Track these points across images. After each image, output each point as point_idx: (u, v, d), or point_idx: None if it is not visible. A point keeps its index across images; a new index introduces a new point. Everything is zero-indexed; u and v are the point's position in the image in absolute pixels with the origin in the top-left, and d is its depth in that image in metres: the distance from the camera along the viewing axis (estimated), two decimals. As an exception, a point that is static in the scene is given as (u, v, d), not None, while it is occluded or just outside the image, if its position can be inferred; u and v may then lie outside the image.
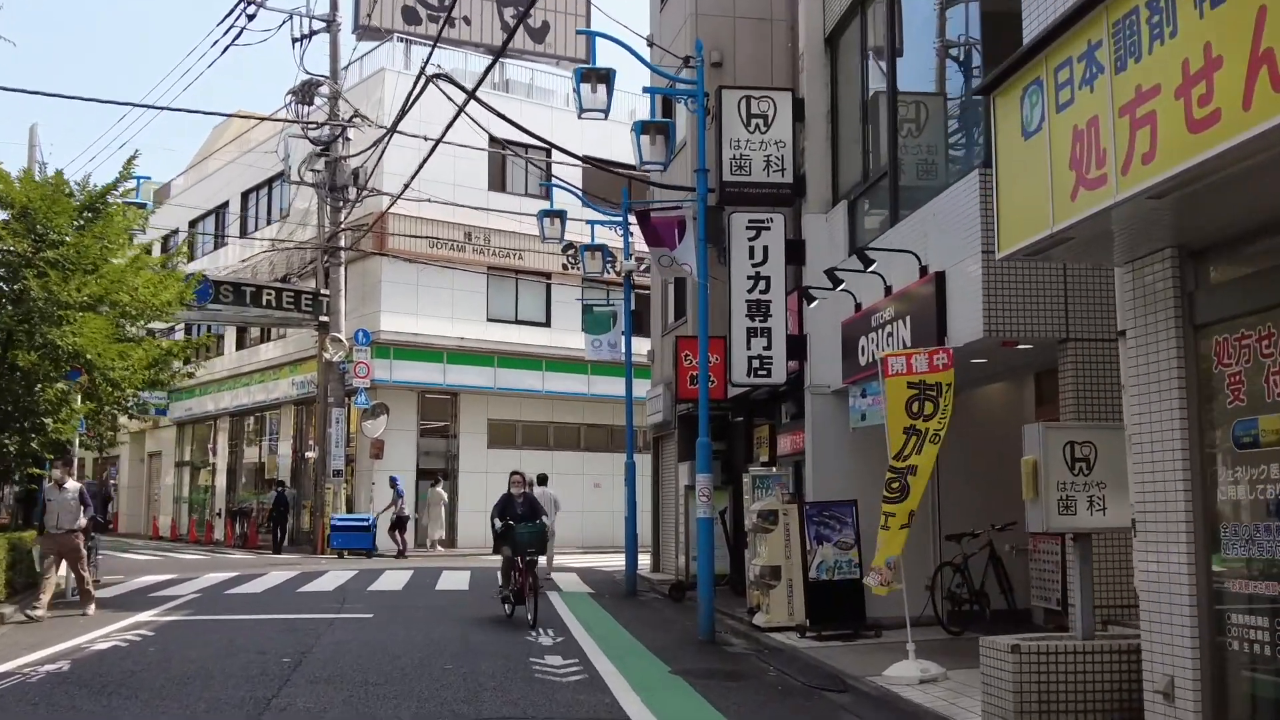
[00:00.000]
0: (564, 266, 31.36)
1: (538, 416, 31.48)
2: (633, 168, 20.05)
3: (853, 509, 12.57)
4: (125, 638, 12.24)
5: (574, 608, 15.85)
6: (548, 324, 31.48)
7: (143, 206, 18.89)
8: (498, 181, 31.13)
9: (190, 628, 13.15)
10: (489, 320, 30.50)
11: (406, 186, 23.34)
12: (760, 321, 13.16)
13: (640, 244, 22.26)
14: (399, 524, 27.00)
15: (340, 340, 27.68)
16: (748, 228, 13.27)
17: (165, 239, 41.22)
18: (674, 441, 20.76)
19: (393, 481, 27.27)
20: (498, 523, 13.92)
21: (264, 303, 27.80)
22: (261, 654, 10.93)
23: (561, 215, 19.63)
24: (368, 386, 27.57)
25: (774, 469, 14.79)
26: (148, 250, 21.45)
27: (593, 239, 20.15)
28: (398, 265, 28.90)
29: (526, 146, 29.34)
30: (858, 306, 12.27)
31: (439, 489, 29.21)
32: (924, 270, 10.50)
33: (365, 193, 27.26)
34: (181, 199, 39.89)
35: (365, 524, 26.76)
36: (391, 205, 25.39)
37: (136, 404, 19.75)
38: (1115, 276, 7.21)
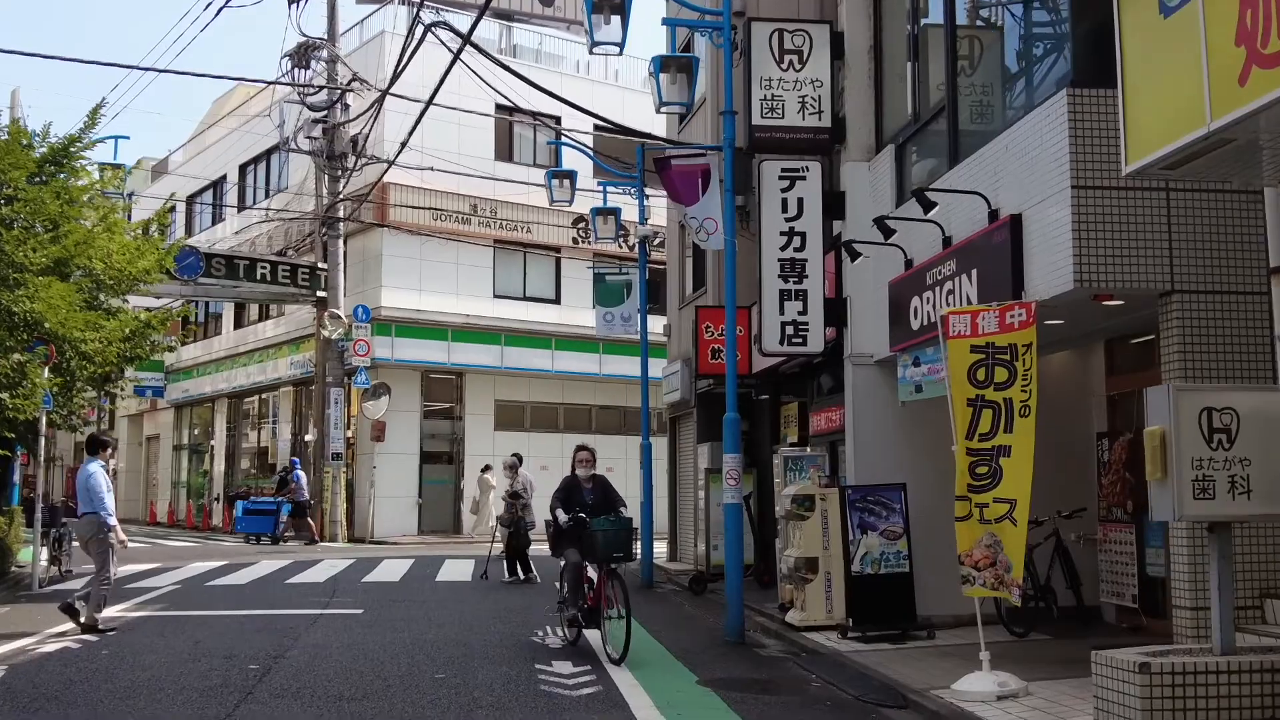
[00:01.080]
0: (574, 240, 29.88)
1: (547, 397, 30.05)
2: (648, 136, 18.55)
3: (901, 494, 11.11)
4: (81, 638, 10.85)
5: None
6: (557, 300, 30.03)
7: (119, 167, 17.43)
8: (505, 151, 29.64)
9: (156, 626, 11.75)
10: (496, 296, 29.05)
11: (405, 143, 21.87)
12: (794, 283, 11.68)
13: (656, 212, 20.83)
14: (298, 510, 26.29)
15: (339, 317, 26.27)
16: (780, 177, 11.77)
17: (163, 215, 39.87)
18: (692, 422, 19.31)
19: (291, 464, 26.96)
20: (561, 515, 10.41)
21: (258, 277, 26.37)
22: (227, 659, 9.52)
23: (571, 176, 18.13)
24: (368, 366, 26.16)
25: (807, 449, 13.32)
26: (146, 228, 20.01)
27: (605, 201, 18.66)
28: (400, 238, 27.45)
29: (535, 115, 27.92)
30: (908, 263, 10.79)
31: (489, 475, 27.80)
32: (994, 215, 9.01)
33: (365, 160, 25.78)
34: (181, 173, 38.46)
35: (271, 508, 26.48)
36: (392, 163, 23.87)
37: (115, 381, 18.30)
38: (1267, 201, 5.71)
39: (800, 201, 11.78)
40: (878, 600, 10.94)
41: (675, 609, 14.20)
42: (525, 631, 11.42)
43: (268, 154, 33.58)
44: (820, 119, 11.87)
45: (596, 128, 22.75)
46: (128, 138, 29.43)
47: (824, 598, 11.54)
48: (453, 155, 27.52)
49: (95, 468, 11.42)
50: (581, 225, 29.97)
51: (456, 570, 18.48)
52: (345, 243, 28.38)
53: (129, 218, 23.33)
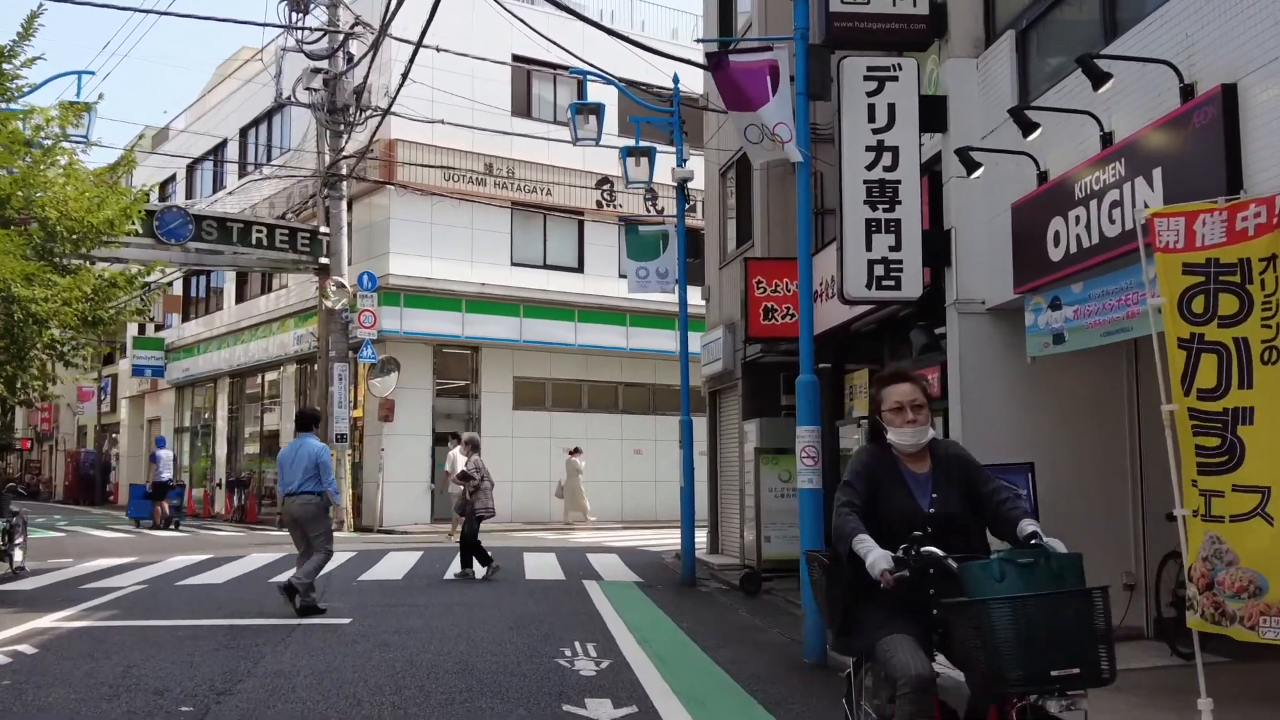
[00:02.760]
0: (599, 203, 27.49)
1: (570, 374, 27.69)
2: (685, 61, 16.10)
3: (1027, 476, 8.69)
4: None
5: (620, 605, 12.09)
6: (580, 269, 27.63)
7: (79, 106, 15.13)
8: (523, 106, 27.22)
9: (90, 643, 9.45)
10: (514, 264, 26.67)
11: (406, 74, 19.41)
12: (885, 210, 9.24)
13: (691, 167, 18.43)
14: (157, 492, 25.68)
15: (342, 285, 23.95)
16: (866, 78, 9.32)
17: (163, 185, 37.74)
18: (736, 395, 16.93)
19: (157, 443, 26.39)
20: (864, 546, 4.18)
21: (254, 241, 24.05)
22: (156, 696, 7.21)
23: (598, 110, 15.70)
24: (374, 338, 23.84)
25: (894, 422, 10.89)
26: (113, 170, 17.72)
27: (637, 139, 16.23)
28: (408, 200, 25.09)
29: (555, 68, 25.53)
30: (1042, 177, 8.35)
31: (576, 459, 25.82)
32: (1187, 91, 6.56)
33: (369, 112, 23.42)
34: (180, 141, 36.24)
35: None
36: (391, 106, 21.40)
37: (73, 348, 16.01)
38: None
39: (891, 109, 9.33)
40: (998, 611, 8.51)
41: (727, 614, 11.84)
42: (548, 649, 9.07)
43: (269, 115, 31.32)
44: (915, 4, 9.41)
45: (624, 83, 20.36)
46: (92, 73, 26.91)
47: (924, 607, 9.12)
48: (465, 109, 25.17)
49: (317, 443, 11.04)
50: (607, 187, 27.61)
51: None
52: (351, 207, 26.10)
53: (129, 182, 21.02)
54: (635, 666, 8.36)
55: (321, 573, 11.53)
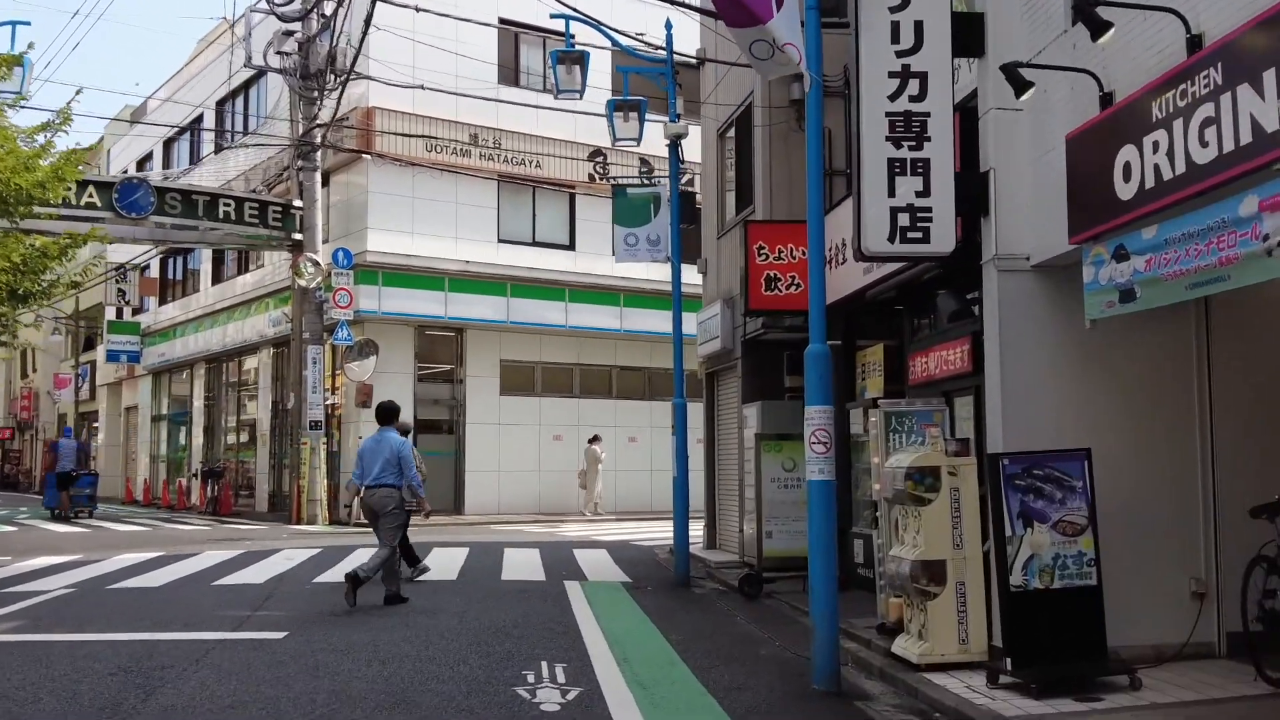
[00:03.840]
0: (591, 176, 25.96)
1: (560, 357, 26.18)
2: (670, 41, 14.54)
3: (1083, 465, 7.22)
4: None
5: (603, 612, 10.64)
6: (572, 246, 26.10)
7: (13, 58, 13.62)
8: (510, 73, 25.66)
9: (-31, 663, 7.99)
10: (501, 241, 25.14)
11: (370, 17, 17.82)
12: (911, 148, 7.74)
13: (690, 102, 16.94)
14: (61, 482, 24.76)
15: (316, 262, 22.45)
16: (888, -9, 7.82)
17: (140, 162, 36.29)
18: (735, 376, 15.45)
19: (65, 432, 25.70)
20: None
21: (220, 215, 22.51)
22: (2, 742, 5.76)
23: (583, 59, 14.15)
24: (350, 319, 22.35)
25: (916, 402, 9.38)
26: (45, 128, 16.17)
27: (626, 91, 14.71)
28: (388, 172, 23.56)
29: (545, 32, 23.99)
30: (1106, 99, 6.85)
31: (596, 447, 24.70)
32: (1318, -32, 5.06)
33: (344, 76, 21.90)
34: (158, 116, 34.67)
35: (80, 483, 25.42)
36: (359, 53, 19.89)
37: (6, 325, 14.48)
38: None
39: (918, 27, 7.81)
40: (1048, 628, 7.10)
41: (724, 622, 10.37)
42: (509, 673, 7.60)
43: (245, 86, 29.79)
44: (946, -97, 7.89)
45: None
46: (27, 23, 25.22)
47: (956, 621, 7.69)
48: (449, 76, 23.64)
49: (399, 437, 11.10)
50: (600, 160, 26.08)
51: (441, 563, 14.69)
52: (328, 181, 24.61)
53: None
54: (610, 697, 6.90)
55: (277, 572, 11.43)
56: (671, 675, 7.74)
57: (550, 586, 12.57)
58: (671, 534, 17.90)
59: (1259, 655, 6.83)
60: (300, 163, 22.87)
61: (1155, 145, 6.14)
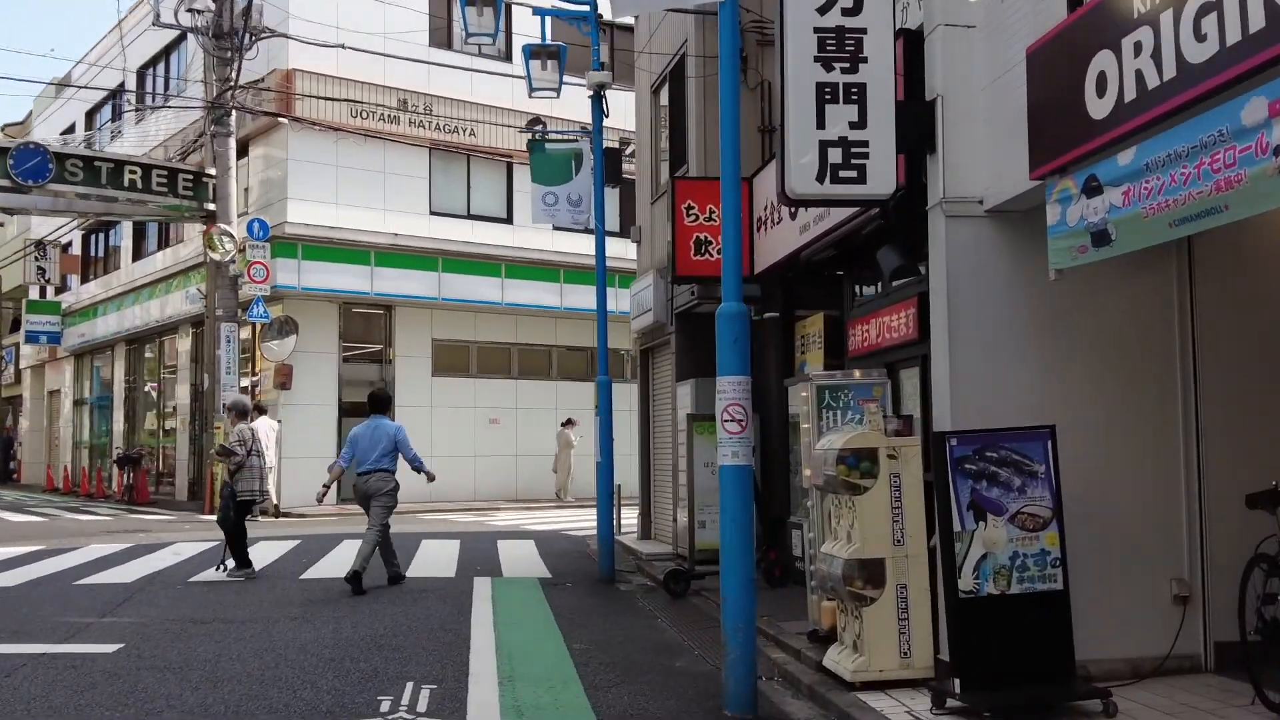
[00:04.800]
0: (529, 145, 24.49)
1: (497, 336, 24.81)
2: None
3: (1046, 445, 6.02)
4: None
5: (506, 616, 9.39)
6: (509, 219, 24.73)
7: None
8: (443, 35, 24.21)
9: None
10: (433, 213, 23.72)
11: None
12: (844, 70, 6.50)
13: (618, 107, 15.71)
14: None
15: (229, 234, 20.95)
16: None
17: (62, 136, 34.42)
18: (670, 352, 14.22)
19: None
20: None
21: (125, 183, 20.92)
22: None
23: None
24: (266, 295, 20.90)
25: (856, 373, 8.15)
26: None
27: (544, 36, 13.37)
28: (309, 138, 22.06)
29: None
30: (1074, 3, 5.63)
31: (569, 431, 23.69)
32: None
33: (260, 35, 20.41)
34: (83, 89, 32.84)
35: None
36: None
37: None
38: None
39: (852, -73, 6.56)
40: (1005, 641, 5.90)
41: (643, 629, 9.13)
42: (362, 698, 6.33)
43: (166, 52, 28.17)
44: None
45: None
46: None
47: (896, 631, 6.49)
48: (376, 38, 22.19)
49: (392, 423, 11.22)
50: (539, 128, 24.60)
51: (348, 557, 13.39)
52: (247, 150, 23.13)
53: None
54: (474, 729, 5.64)
55: (155, 569, 10.72)
56: (560, 699, 6.49)
57: (457, 585, 11.30)
58: (615, 521, 16.83)
59: (1258, 672, 5.66)
60: (214, 128, 21.34)
61: (1138, 47, 4.93)
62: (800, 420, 8.41)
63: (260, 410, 20.00)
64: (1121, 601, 6.44)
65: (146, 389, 29.03)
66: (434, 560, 13.29)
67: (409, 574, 11.92)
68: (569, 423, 23.82)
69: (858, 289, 9.39)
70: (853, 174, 6.51)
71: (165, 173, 21.32)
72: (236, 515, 11.63)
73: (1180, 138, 4.70)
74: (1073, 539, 6.09)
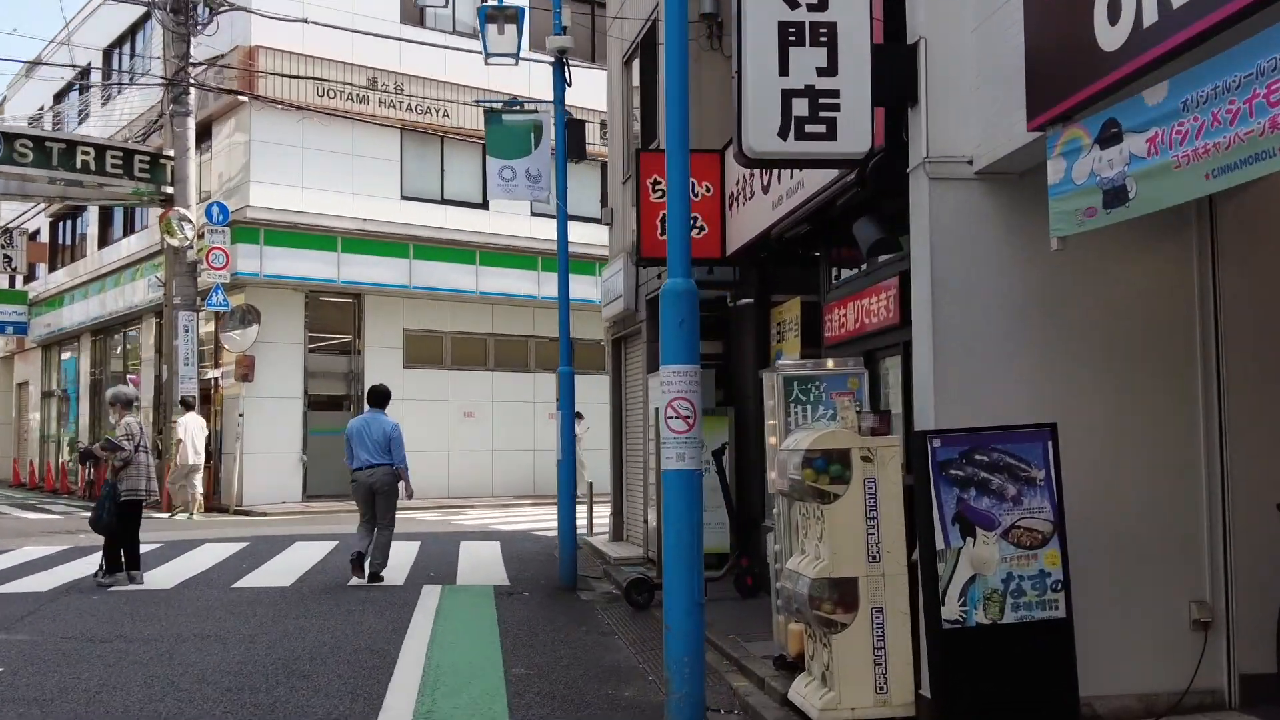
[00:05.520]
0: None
1: (472, 326, 23.85)
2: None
3: (1046, 447, 5.10)
4: None
5: (445, 630, 8.48)
6: (484, 204, 23.69)
7: None
8: (414, 11, 23.12)
9: None
10: (404, 198, 22.75)
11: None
12: (813, 8, 5.57)
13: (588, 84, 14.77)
14: None
15: (187, 218, 19.98)
16: None
17: (30, 121, 33.38)
18: (641, 342, 13.30)
19: None
20: None
21: (78, 165, 19.93)
22: None
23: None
24: (226, 282, 19.94)
25: (829, 363, 7.22)
26: None
27: (501, -2, 12.44)
28: (273, 118, 21.08)
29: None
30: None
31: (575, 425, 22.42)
32: None
33: (220, 8, 19.43)
34: (49, 72, 31.81)
35: None
36: None
37: None
38: None
39: None
40: (997, 677, 4.98)
41: (595, 648, 8.19)
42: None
43: (132, 32, 27.15)
44: None
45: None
46: None
47: (871, 662, 5.55)
48: (344, 14, 21.22)
49: (390, 420, 11.29)
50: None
51: (294, 562, 12.51)
52: (210, 132, 22.14)
53: None
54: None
55: (78, 576, 10.25)
56: (481, 740, 5.57)
57: (403, 593, 10.37)
58: (586, 521, 15.94)
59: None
60: (172, 107, 20.36)
61: (1167, -45, 3.99)
62: (765, 416, 7.47)
63: (187, 406, 19.31)
64: (1133, 628, 5.52)
65: (128, 380, 28.02)
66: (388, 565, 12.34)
67: (355, 581, 11.00)
68: (577, 416, 22.81)
69: (835, 271, 8.46)
70: (821, 129, 5.58)
71: (120, 154, 20.33)
72: (121, 517, 10.57)
73: (1231, 66, 3.76)
74: (1076, 557, 5.17)
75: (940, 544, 4.95)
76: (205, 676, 6.87)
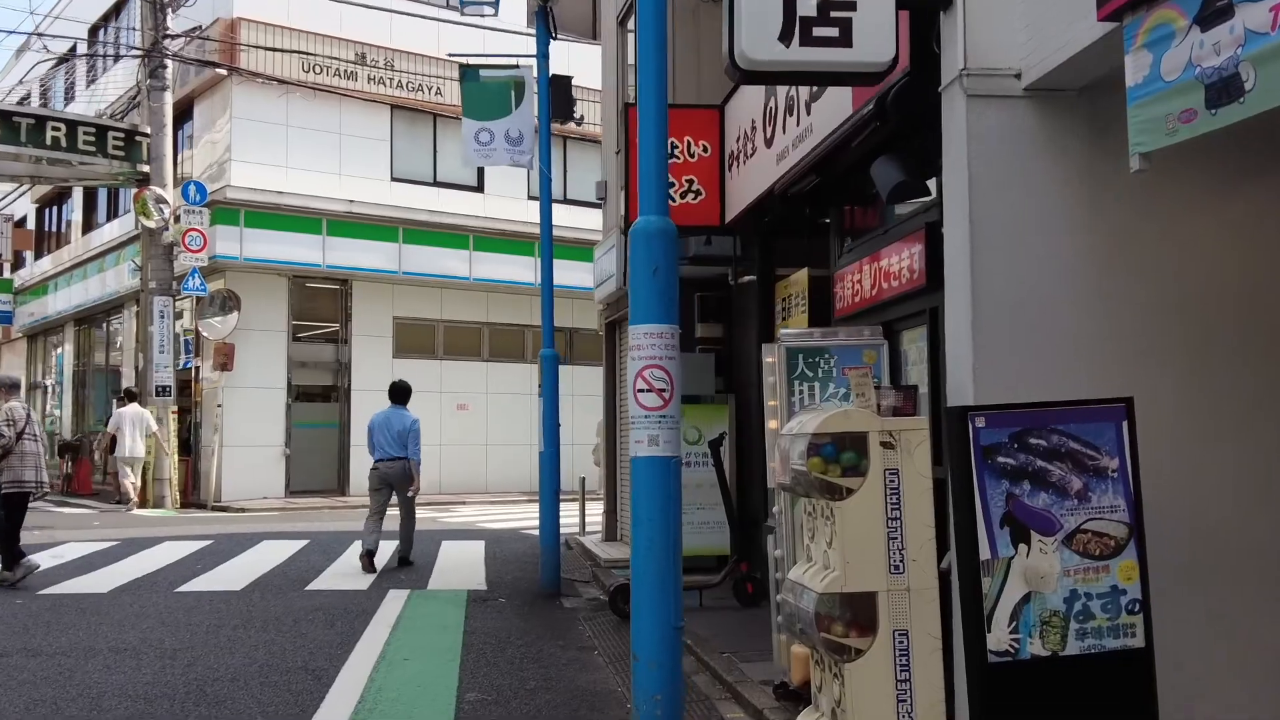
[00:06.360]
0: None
1: (466, 314, 22.74)
2: None
3: (1120, 429, 3.97)
4: None
5: (400, 644, 7.41)
6: (479, 187, 22.65)
7: None
8: (406, -18, 22.14)
9: None
10: (395, 179, 21.67)
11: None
12: (821, -118, 4.49)
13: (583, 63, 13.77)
14: None
15: (162, 198, 18.94)
16: None
17: (20, 103, 32.42)
18: (636, 325, 12.15)
19: None
20: None
21: (48, 141, 18.86)
22: None
23: None
24: (203, 265, 18.89)
25: (839, 333, 6.09)
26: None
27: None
28: (255, 94, 20.01)
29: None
30: None
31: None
32: None
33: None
34: (38, 51, 30.82)
35: None
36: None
37: None
38: None
39: None
40: (1050, 711, 3.86)
41: (569, 665, 7.11)
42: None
43: (117, 9, 26.12)
44: None
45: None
46: None
47: (893, 698, 4.44)
48: (331, -14, 20.18)
49: (410, 415, 11.54)
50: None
51: (254, 563, 11.45)
52: (192, 111, 21.11)
53: None
54: None
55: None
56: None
57: (364, 600, 9.30)
58: (578, 519, 14.89)
59: None
60: (149, 81, 19.31)
61: None
62: (765, 397, 6.35)
63: (130, 397, 18.67)
64: (1224, 657, 4.42)
65: (119, 369, 27.05)
66: (354, 566, 11.28)
67: (315, 585, 9.97)
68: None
69: (846, 239, 7.36)
70: (832, 32, 4.47)
71: (93, 130, 19.27)
72: (5, 509, 9.59)
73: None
74: (1156, 569, 4.06)
75: (985, 553, 3.85)
76: (100, 700, 5.80)
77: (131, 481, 18.75)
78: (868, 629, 4.45)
